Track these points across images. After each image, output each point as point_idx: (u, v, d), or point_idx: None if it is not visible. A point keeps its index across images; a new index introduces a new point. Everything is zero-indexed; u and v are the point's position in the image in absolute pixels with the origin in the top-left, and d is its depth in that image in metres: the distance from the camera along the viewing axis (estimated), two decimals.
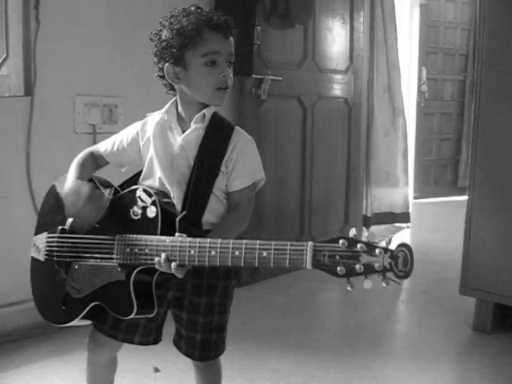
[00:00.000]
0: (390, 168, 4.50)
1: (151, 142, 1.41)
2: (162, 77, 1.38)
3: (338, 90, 3.70)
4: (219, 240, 1.19)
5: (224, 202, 1.39)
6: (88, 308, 1.34)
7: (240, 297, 2.11)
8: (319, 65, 3.54)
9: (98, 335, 1.42)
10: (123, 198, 1.34)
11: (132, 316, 1.28)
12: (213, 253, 1.18)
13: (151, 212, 1.27)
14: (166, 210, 1.30)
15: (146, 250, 1.25)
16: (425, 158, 6.08)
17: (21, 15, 2.21)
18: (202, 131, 1.37)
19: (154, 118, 1.43)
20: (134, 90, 2.65)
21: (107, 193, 1.38)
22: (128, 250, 1.28)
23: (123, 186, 1.43)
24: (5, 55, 2.24)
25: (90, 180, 1.42)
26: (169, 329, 1.50)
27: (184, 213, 1.31)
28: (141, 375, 2.11)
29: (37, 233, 1.46)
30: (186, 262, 1.21)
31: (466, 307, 2.68)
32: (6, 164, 2.36)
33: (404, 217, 4.61)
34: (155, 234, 1.26)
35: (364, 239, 1.07)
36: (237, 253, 1.16)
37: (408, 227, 4.68)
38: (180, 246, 1.22)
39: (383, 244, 1.06)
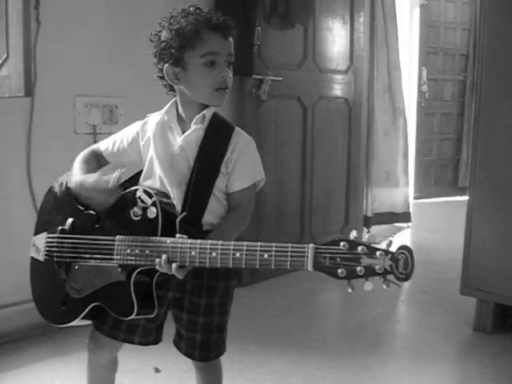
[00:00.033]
0: (391, 168, 4.50)
1: (151, 143, 1.41)
2: (162, 77, 1.38)
3: (338, 90, 3.70)
4: (220, 241, 1.19)
5: (224, 203, 1.39)
6: (88, 308, 1.34)
7: (240, 297, 2.11)
8: (319, 65, 3.54)
9: (98, 335, 1.42)
10: (123, 198, 1.33)
11: (132, 317, 1.28)
12: (214, 254, 1.18)
13: (151, 213, 1.27)
14: (167, 211, 1.30)
15: (147, 251, 1.25)
16: (425, 158, 6.08)
17: (21, 16, 2.21)
18: (202, 132, 1.37)
19: (154, 119, 1.43)
20: (134, 90, 2.65)
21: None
22: (128, 250, 1.27)
23: (123, 186, 1.42)
24: (5, 56, 2.25)
25: None
26: (169, 329, 1.50)
27: (184, 213, 1.31)
28: (141, 375, 2.11)
29: (36, 233, 1.46)
30: (187, 263, 1.21)
31: (466, 307, 2.68)
32: (7, 164, 2.36)
33: (405, 216, 4.62)
34: (156, 235, 1.26)
35: (365, 241, 1.07)
36: (238, 254, 1.16)
37: (408, 227, 4.68)
38: (181, 247, 1.22)
39: (384, 246, 1.06)
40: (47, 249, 1.40)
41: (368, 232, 4.22)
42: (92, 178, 1.33)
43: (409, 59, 5.63)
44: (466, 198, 2.63)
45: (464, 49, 6.13)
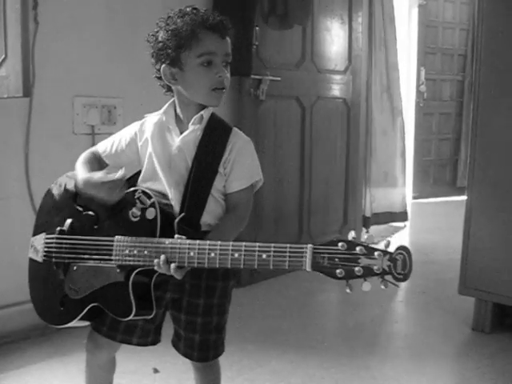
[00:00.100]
0: (389, 168, 4.51)
1: (149, 143, 1.41)
2: (160, 78, 1.38)
3: (336, 91, 3.70)
4: (218, 242, 1.19)
5: (222, 204, 1.39)
6: (86, 309, 1.34)
7: (239, 297, 2.11)
8: (318, 65, 3.54)
9: (97, 336, 1.42)
10: (122, 199, 1.33)
11: (131, 317, 1.28)
12: (212, 255, 1.19)
13: (150, 214, 1.27)
14: (165, 212, 1.30)
15: (145, 252, 1.25)
16: (424, 158, 6.08)
17: (19, 16, 2.20)
18: (199, 132, 1.37)
19: (152, 119, 1.43)
20: (132, 90, 2.65)
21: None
22: (127, 251, 1.27)
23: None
24: (3, 56, 2.24)
25: None
26: (168, 329, 1.50)
27: (182, 214, 1.31)
28: (140, 376, 2.11)
29: (35, 234, 1.46)
30: (186, 264, 1.22)
31: (465, 307, 2.68)
32: (5, 165, 2.36)
33: (402, 216, 4.63)
34: (154, 236, 1.26)
35: (363, 241, 1.07)
36: (236, 255, 1.16)
37: (405, 226, 4.69)
38: (179, 248, 1.22)
39: (382, 246, 1.06)
40: (46, 249, 1.40)
41: (367, 232, 4.21)
42: (97, 175, 1.33)
43: (407, 59, 5.63)
44: (464, 197, 2.63)
45: (462, 49, 6.13)
